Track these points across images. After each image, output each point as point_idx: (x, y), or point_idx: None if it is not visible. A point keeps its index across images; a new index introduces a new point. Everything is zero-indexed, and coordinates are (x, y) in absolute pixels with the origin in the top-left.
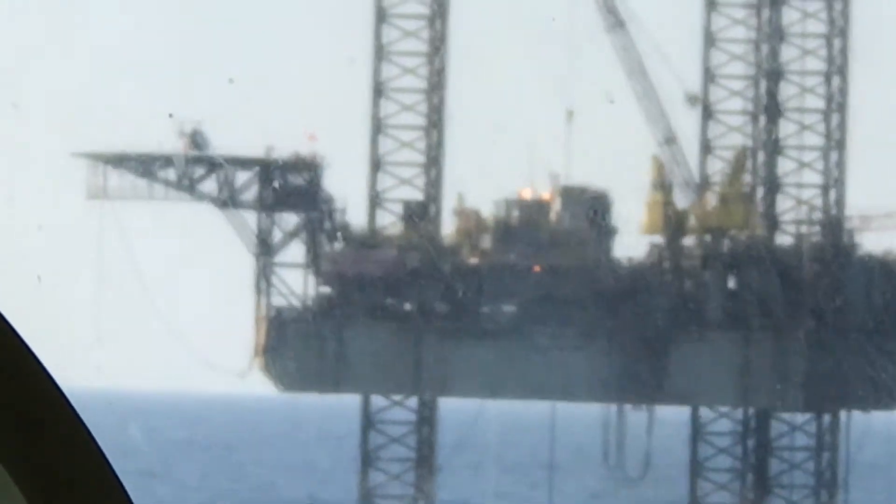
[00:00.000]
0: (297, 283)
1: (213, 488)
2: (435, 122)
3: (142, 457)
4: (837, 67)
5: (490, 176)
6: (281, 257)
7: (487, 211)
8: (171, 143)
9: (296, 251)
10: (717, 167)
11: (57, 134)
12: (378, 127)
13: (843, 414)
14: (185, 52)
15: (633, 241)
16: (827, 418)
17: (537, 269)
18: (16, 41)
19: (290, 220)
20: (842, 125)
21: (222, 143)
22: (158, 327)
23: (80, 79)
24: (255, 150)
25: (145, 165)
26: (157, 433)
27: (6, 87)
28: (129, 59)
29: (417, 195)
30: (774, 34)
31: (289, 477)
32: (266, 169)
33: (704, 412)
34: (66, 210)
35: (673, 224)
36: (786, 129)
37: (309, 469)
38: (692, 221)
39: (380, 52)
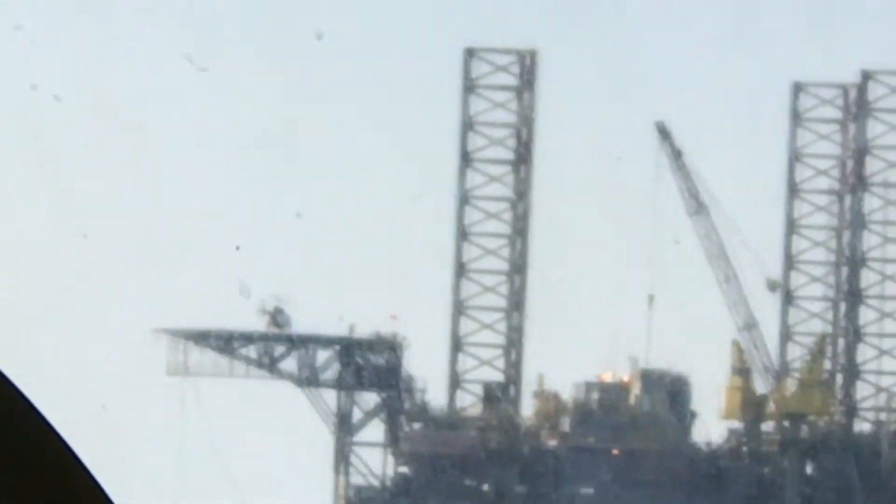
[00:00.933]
0: (376, 463)
1: None
2: (516, 303)
3: None
4: None
5: (570, 358)
6: (360, 436)
7: (567, 393)
8: (253, 321)
9: (375, 430)
10: (797, 353)
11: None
12: (459, 308)
13: None
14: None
15: (712, 426)
16: None
17: (616, 452)
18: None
19: (370, 399)
20: None
21: (304, 321)
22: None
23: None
24: (336, 328)
25: (226, 342)
26: None
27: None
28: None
29: (498, 376)
30: (855, 221)
31: None
32: (347, 348)
33: None
34: (148, 386)
35: (752, 409)
36: (866, 315)
37: None
38: (771, 406)
39: (462, 233)
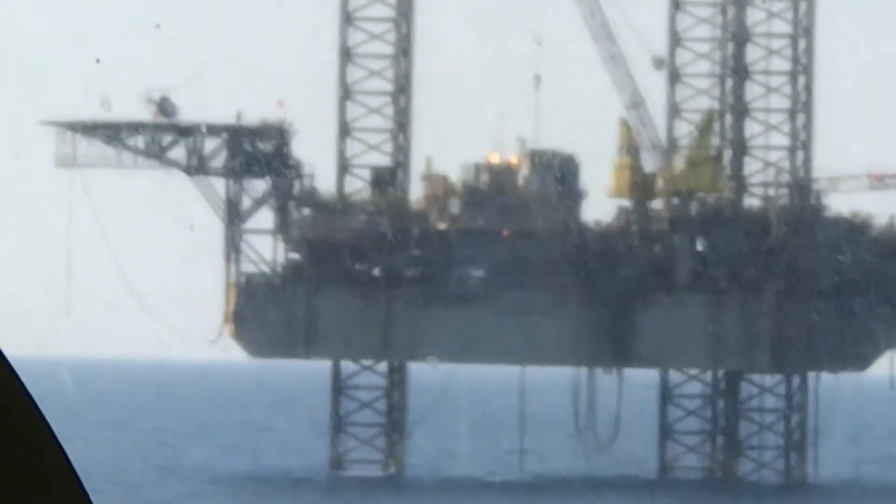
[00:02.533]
0: (266, 250)
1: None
2: (403, 87)
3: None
4: (804, 30)
5: (458, 141)
6: (250, 224)
7: (456, 175)
8: (140, 111)
9: (265, 218)
10: (685, 130)
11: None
12: (346, 93)
13: (811, 376)
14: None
15: (601, 205)
16: (796, 380)
17: (506, 233)
18: None
19: (259, 186)
20: (808, 87)
21: (191, 110)
22: (128, 295)
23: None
24: (223, 116)
25: (114, 133)
26: (123, 396)
27: None
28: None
29: (386, 161)
30: None
31: (254, 440)
32: (235, 135)
33: (674, 375)
34: (35, 178)
35: (641, 187)
36: (753, 91)
37: (277, 434)
38: (660, 184)
39: (346, 18)
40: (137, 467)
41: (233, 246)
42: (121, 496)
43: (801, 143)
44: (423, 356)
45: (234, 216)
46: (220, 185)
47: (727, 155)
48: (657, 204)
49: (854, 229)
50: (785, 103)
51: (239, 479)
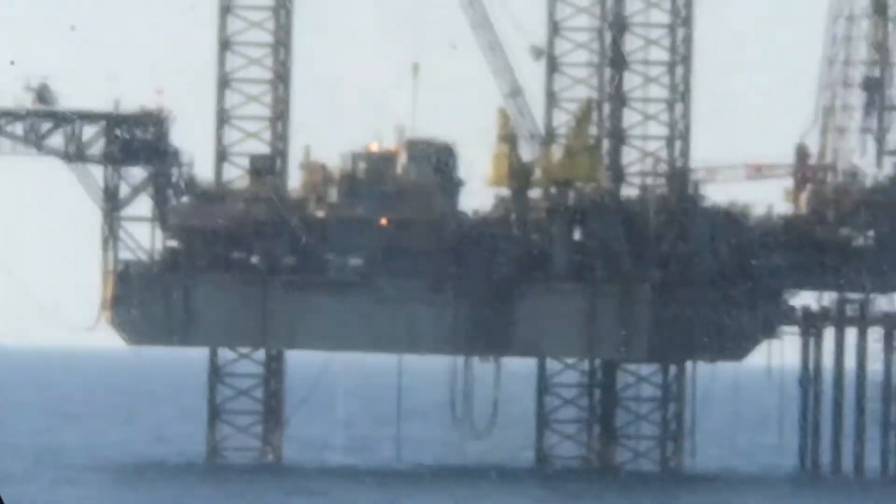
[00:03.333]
0: (144, 237)
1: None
2: (281, 76)
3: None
4: (682, 20)
5: (337, 129)
6: (128, 211)
7: (334, 164)
8: (18, 98)
9: (143, 205)
10: (563, 119)
11: None
12: (224, 81)
13: (688, 365)
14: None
15: (479, 193)
16: (673, 369)
17: (384, 221)
18: None
19: (137, 174)
20: (686, 77)
21: (70, 97)
22: (5, 282)
23: None
24: (102, 104)
25: None
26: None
27: None
28: None
29: (264, 149)
30: None
31: (131, 428)
32: (113, 123)
33: (551, 364)
34: None
35: (518, 176)
36: (631, 81)
37: (154, 421)
38: (538, 174)
39: (225, 7)
40: (10, 455)
41: (111, 233)
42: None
43: (679, 133)
44: (300, 344)
45: (112, 204)
46: (98, 172)
47: (605, 145)
48: (535, 193)
49: (731, 219)
50: (663, 93)
51: (116, 467)
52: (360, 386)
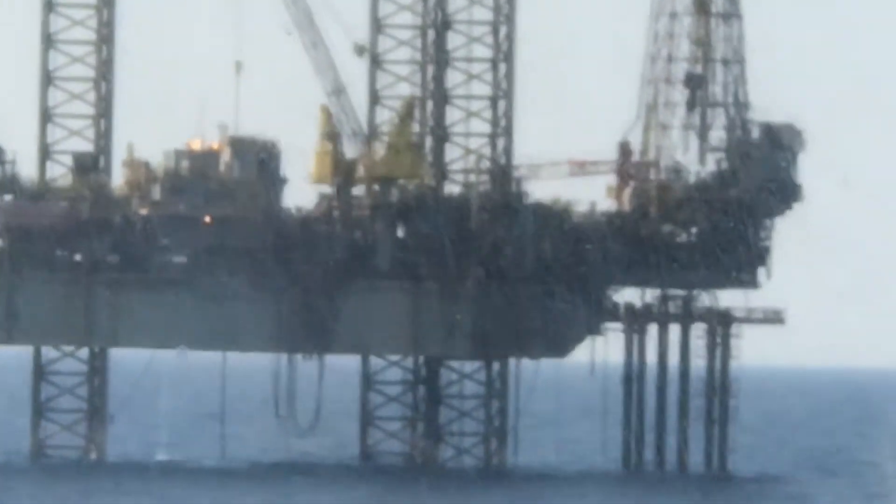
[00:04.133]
0: None
1: None
2: (104, 74)
3: None
4: (505, 17)
5: (160, 127)
6: None
7: (157, 162)
8: None
9: None
10: (387, 117)
11: None
12: (47, 79)
13: (512, 361)
14: None
15: (302, 191)
16: (496, 366)
17: (208, 219)
18: None
19: None
20: (509, 74)
21: None
22: None
23: None
24: None
25: None
26: None
27: None
28: None
29: (88, 147)
30: None
31: None
32: None
33: (375, 361)
34: None
35: (342, 173)
36: (454, 78)
37: None
38: (361, 171)
39: (48, 4)
40: None
41: None
42: None
43: (503, 129)
44: (124, 342)
45: None
46: None
47: (428, 142)
48: (358, 190)
49: (555, 216)
50: (486, 90)
51: None
52: (183, 384)
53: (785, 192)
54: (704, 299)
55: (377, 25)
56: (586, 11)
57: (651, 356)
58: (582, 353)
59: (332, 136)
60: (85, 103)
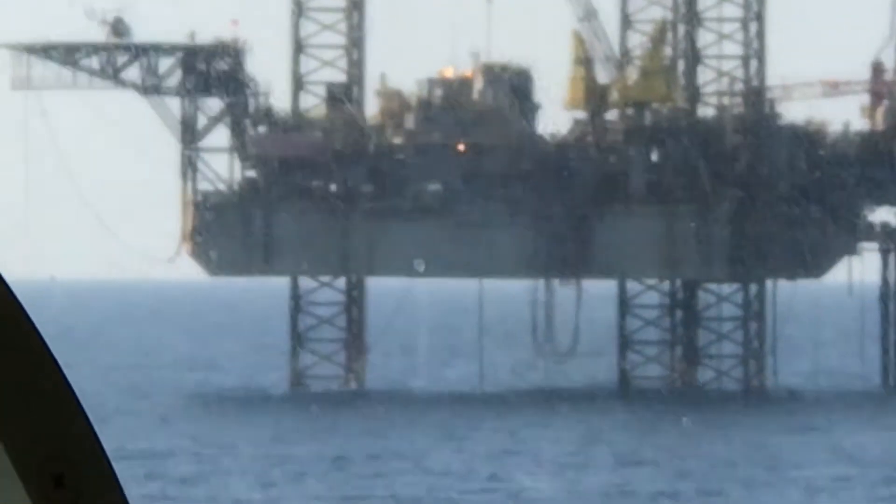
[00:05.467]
0: (222, 168)
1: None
2: (356, 2)
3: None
4: None
5: (412, 56)
6: (206, 142)
7: (410, 91)
8: (94, 32)
9: (221, 136)
10: (638, 41)
11: None
12: (299, 10)
13: (769, 283)
14: None
15: (556, 117)
16: (753, 288)
17: (461, 147)
18: None
19: (214, 105)
20: None
21: (144, 30)
22: (86, 215)
23: None
24: (177, 36)
25: (68, 54)
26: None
27: None
28: None
29: (340, 77)
30: None
31: (215, 358)
32: (189, 54)
33: (632, 285)
34: None
35: (595, 99)
36: (705, 1)
37: (239, 351)
38: (614, 96)
39: None
40: (108, 388)
41: (189, 165)
42: (98, 419)
43: (755, 51)
44: (380, 271)
45: (189, 135)
46: (175, 104)
47: (680, 65)
48: (612, 115)
49: (809, 137)
50: (737, 12)
51: (203, 396)
52: (441, 312)
53: None
54: None
55: None
56: None
57: None
58: (838, 274)
59: (584, 61)
60: (337, 33)
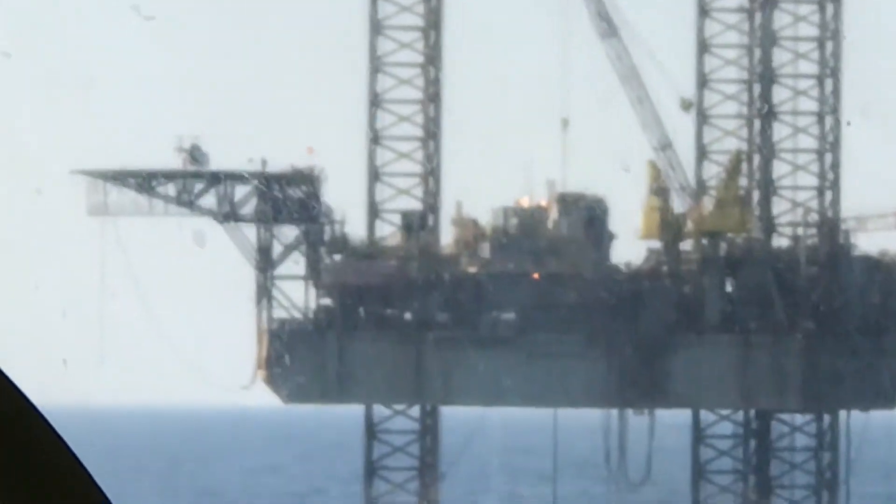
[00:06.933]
0: (298, 296)
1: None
2: (432, 132)
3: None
4: (830, 70)
5: (488, 185)
6: (281, 270)
7: (486, 219)
8: (171, 159)
9: (296, 264)
10: (713, 171)
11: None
12: (375, 138)
13: (842, 414)
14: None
15: (631, 247)
16: (827, 418)
17: (536, 276)
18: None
19: (290, 232)
20: (836, 127)
21: (221, 157)
22: (161, 343)
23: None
24: (253, 164)
25: (145, 181)
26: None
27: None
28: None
29: (416, 205)
30: (766, 38)
31: (292, 486)
32: (265, 182)
33: (705, 415)
34: (67, 227)
35: (670, 228)
36: (780, 132)
37: (313, 479)
38: (689, 226)
39: (375, 63)
40: None
41: (264, 292)
42: None
43: (829, 182)
44: (455, 400)
45: (265, 262)
46: (251, 231)
47: (755, 195)
48: (687, 245)
49: (883, 268)
50: (812, 143)
51: None
52: (515, 441)
53: None
54: None
55: (703, 80)
56: None
57: None
58: None
59: (660, 191)
60: (412, 161)
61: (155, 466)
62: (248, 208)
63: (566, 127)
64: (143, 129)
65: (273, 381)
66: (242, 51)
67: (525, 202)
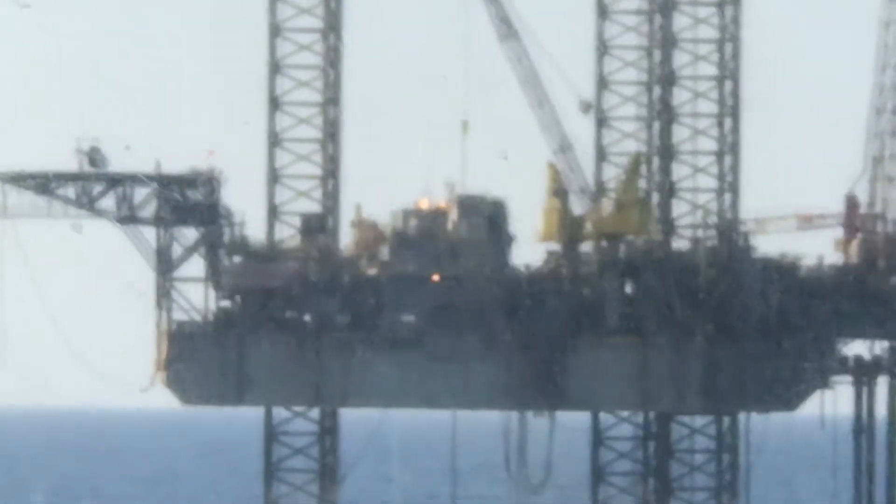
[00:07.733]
0: (198, 298)
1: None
2: (331, 134)
3: (54, 468)
4: (729, 72)
5: (387, 186)
6: (181, 272)
7: (385, 222)
8: (70, 161)
9: (196, 266)
10: (613, 173)
11: None
12: (274, 140)
13: (741, 416)
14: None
15: (530, 249)
16: (726, 421)
17: (436, 278)
18: None
19: (189, 235)
20: (735, 129)
21: (119, 159)
22: (60, 345)
23: None
24: (152, 166)
25: (44, 183)
26: (60, 446)
27: None
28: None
29: (315, 207)
30: (666, 40)
31: (188, 488)
32: (164, 184)
33: (605, 417)
34: None
35: (569, 230)
36: (680, 134)
37: (213, 481)
38: (589, 227)
39: (274, 66)
40: None
41: (164, 294)
42: None
43: (729, 184)
44: (355, 402)
45: (164, 265)
46: (150, 233)
47: (655, 197)
48: (586, 247)
49: (782, 270)
50: (712, 146)
51: None
52: (414, 443)
53: None
54: None
55: (602, 82)
56: (812, 67)
57: (881, 408)
58: (811, 407)
59: (559, 193)
60: (312, 164)
61: (54, 468)
62: (148, 210)
63: (466, 130)
64: (37, 129)
65: (172, 382)
66: (136, 50)
67: (425, 204)
